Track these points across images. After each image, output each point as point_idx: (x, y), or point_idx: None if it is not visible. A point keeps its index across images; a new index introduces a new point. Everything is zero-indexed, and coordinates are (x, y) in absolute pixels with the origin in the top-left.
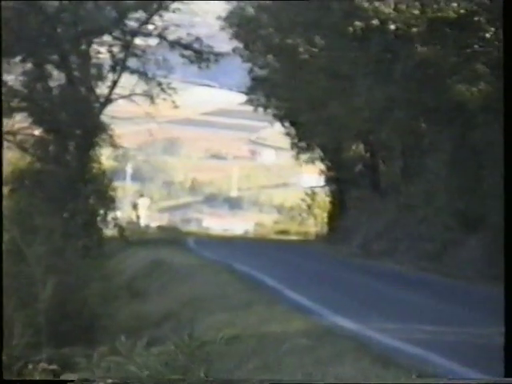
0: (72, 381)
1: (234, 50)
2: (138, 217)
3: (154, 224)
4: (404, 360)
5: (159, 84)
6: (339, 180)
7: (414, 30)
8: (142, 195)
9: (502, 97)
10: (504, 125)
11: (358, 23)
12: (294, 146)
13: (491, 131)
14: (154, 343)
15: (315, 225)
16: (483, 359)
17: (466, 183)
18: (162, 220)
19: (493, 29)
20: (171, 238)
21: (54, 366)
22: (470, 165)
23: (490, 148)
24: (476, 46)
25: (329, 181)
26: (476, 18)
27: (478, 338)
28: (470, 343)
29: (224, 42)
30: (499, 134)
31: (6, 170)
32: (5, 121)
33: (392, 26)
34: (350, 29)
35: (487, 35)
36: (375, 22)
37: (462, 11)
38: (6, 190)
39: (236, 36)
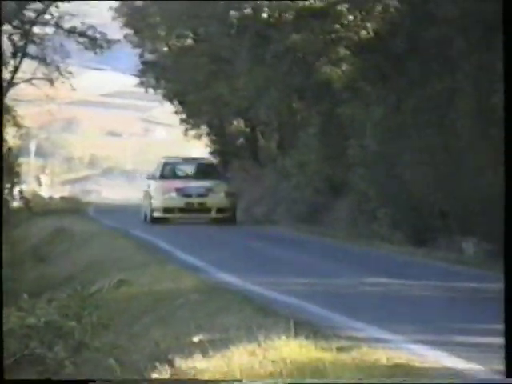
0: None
1: (125, 37)
2: (41, 189)
3: (56, 195)
4: (282, 309)
5: (58, 68)
6: (223, 152)
7: (284, 18)
8: (44, 170)
9: (364, 76)
10: (504, 124)
11: (233, 12)
12: (182, 123)
13: (354, 106)
14: (56, 300)
15: None
16: (350, 306)
17: (333, 153)
18: (64, 192)
19: (351, 16)
20: (73, 207)
21: None
22: (336, 136)
23: (354, 121)
24: (340, 31)
25: (214, 153)
26: (338, 7)
27: (345, 287)
28: (338, 292)
29: (116, 30)
30: (360, 108)
31: None
32: None
33: (264, 15)
34: (228, 18)
35: (346, 22)
36: (249, 11)
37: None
38: None
39: (126, 24)
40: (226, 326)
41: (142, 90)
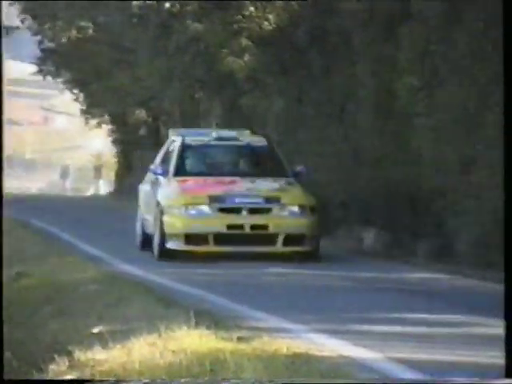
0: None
1: (22, 21)
2: None
3: None
4: (184, 300)
5: None
6: (125, 142)
7: (187, 8)
8: None
9: (271, 69)
10: (504, 125)
11: (135, 2)
12: (83, 112)
13: (255, 97)
14: None
15: (105, 183)
16: (251, 296)
17: None
18: None
19: (253, 8)
20: None
21: None
22: (238, 127)
23: (255, 112)
24: (242, 22)
25: (116, 143)
26: None
27: (246, 277)
28: (239, 283)
29: (14, 17)
30: (262, 100)
31: None
32: None
33: (167, 4)
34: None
35: (248, 13)
36: (151, 1)
37: None
38: None
39: (25, 11)
40: (127, 316)
41: (41, 78)
